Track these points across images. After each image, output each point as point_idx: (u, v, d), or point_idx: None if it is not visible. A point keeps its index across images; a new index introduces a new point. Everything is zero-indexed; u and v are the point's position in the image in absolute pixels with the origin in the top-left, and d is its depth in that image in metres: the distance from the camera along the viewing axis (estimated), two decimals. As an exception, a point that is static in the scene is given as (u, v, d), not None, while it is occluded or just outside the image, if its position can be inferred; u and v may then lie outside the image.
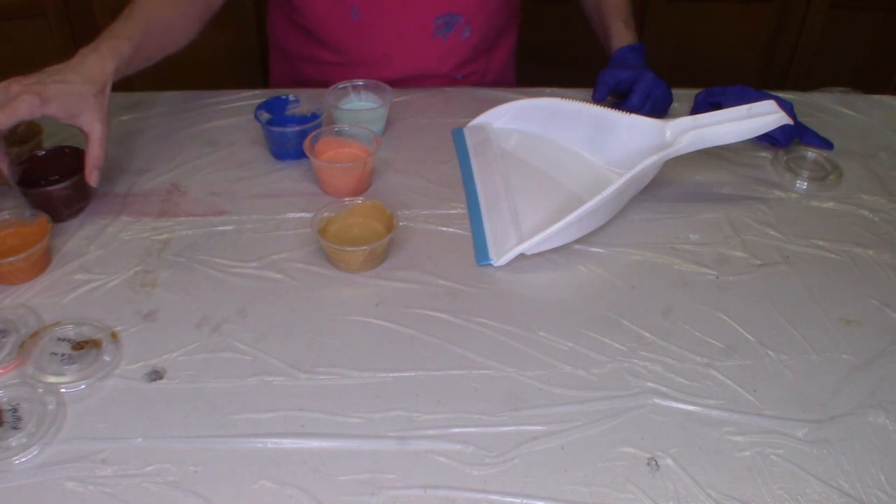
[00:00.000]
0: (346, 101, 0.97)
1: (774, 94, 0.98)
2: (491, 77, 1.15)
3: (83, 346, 0.67)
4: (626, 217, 0.85)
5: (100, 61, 0.80)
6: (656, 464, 0.59)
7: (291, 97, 0.95)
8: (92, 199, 0.85)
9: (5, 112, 0.72)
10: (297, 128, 0.89)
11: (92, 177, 0.79)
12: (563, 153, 0.93)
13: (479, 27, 1.07)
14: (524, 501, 0.56)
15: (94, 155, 0.78)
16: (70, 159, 0.82)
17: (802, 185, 0.91)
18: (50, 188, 0.79)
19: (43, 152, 0.84)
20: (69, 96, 0.76)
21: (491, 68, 1.14)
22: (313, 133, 0.86)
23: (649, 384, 0.66)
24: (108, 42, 0.82)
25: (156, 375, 0.65)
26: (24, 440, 0.59)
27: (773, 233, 0.83)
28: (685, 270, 0.78)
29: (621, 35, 1.02)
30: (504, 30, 1.14)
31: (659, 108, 0.98)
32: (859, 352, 0.70)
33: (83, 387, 0.64)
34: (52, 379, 0.64)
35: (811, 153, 0.96)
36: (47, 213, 0.77)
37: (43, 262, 0.75)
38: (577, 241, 0.80)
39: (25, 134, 0.89)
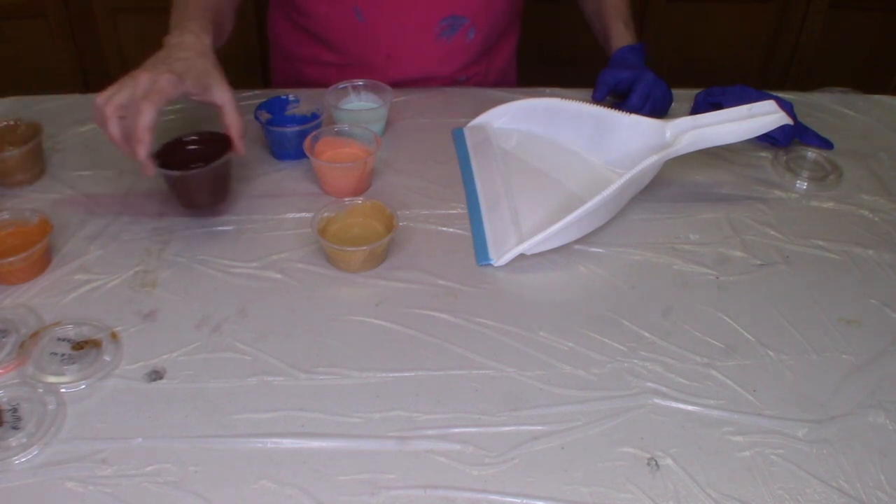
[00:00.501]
0: (346, 101, 0.97)
1: (774, 94, 0.98)
2: (492, 78, 1.15)
3: (83, 346, 0.67)
4: (626, 217, 0.84)
5: (198, 38, 0.79)
6: (656, 464, 0.59)
7: (291, 97, 0.95)
8: (231, 188, 0.83)
9: (157, 93, 0.72)
10: (297, 128, 0.89)
11: (240, 146, 0.78)
12: (563, 153, 0.93)
13: (483, 28, 1.06)
14: (524, 501, 0.56)
15: (237, 124, 0.78)
16: (212, 143, 0.79)
17: (802, 185, 0.91)
18: (202, 169, 0.77)
19: (191, 138, 0.81)
20: (197, 71, 0.76)
21: (492, 69, 1.14)
22: (313, 133, 0.86)
23: (649, 384, 0.66)
24: (191, 22, 0.81)
25: (156, 375, 0.65)
26: (24, 440, 0.59)
27: (773, 233, 0.83)
28: (685, 270, 0.78)
29: (621, 35, 1.02)
30: (506, 30, 1.13)
31: (659, 108, 0.98)
32: (859, 352, 0.70)
33: (83, 387, 0.64)
34: (52, 379, 0.64)
35: (811, 153, 0.96)
36: (188, 200, 0.76)
37: (43, 262, 0.75)
38: (577, 241, 0.80)
39: (26, 134, 0.89)
